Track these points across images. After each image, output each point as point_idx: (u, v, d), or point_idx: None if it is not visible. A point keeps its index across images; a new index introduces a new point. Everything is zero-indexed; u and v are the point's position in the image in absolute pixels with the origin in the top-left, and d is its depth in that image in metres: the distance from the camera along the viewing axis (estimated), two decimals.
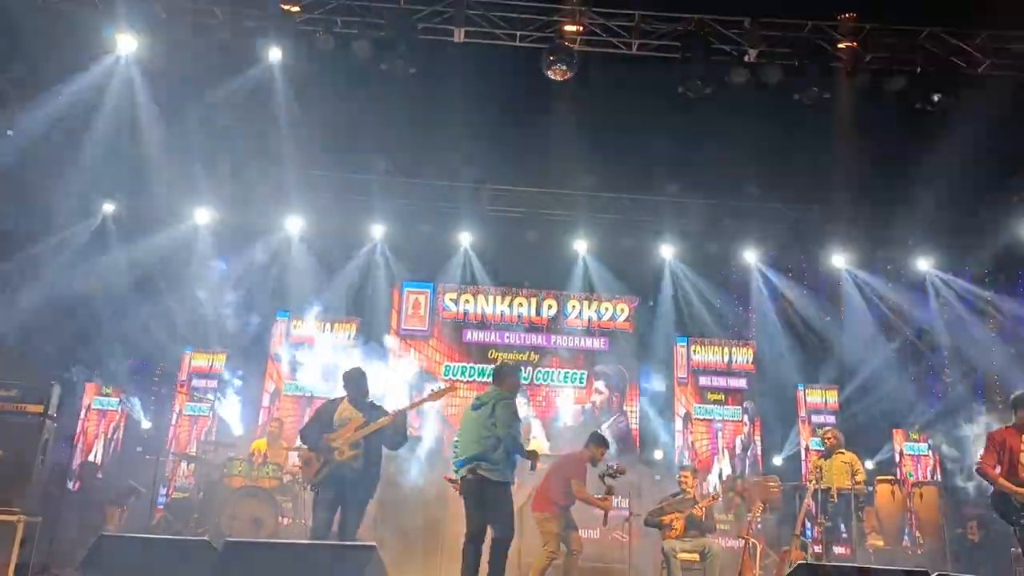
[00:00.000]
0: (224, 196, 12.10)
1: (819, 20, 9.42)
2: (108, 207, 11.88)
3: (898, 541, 9.65)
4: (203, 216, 12.16)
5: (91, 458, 11.03)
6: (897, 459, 10.80)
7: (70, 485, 10.18)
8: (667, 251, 12.82)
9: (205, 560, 4.34)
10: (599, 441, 8.20)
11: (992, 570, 8.98)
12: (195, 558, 4.37)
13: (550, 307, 12.31)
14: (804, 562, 7.69)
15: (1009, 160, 10.97)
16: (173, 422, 11.19)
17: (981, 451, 6.68)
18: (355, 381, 6.71)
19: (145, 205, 11.80)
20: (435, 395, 6.91)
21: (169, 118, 10.27)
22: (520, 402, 6.81)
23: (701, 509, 8.39)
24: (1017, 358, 11.85)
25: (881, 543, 9.66)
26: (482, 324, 12.23)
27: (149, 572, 4.31)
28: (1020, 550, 7.96)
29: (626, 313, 12.30)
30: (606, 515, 8.15)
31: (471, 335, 12.20)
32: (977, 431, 10.17)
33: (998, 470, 6.42)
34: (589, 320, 12.27)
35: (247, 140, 11.22)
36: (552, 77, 9.36)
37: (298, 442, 7.09)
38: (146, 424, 11.43)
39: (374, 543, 4.35)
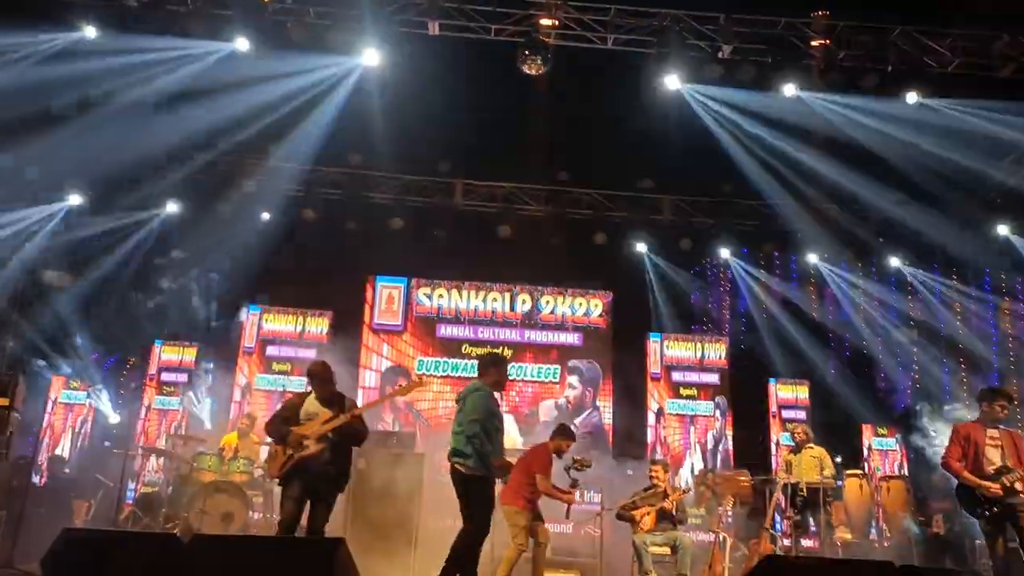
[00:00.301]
0: (193, 187, 11.94)
1: (793, 17, 9.49)
2: (75, 198, 11.67)
3: (865, 534, 9.78)
4: (172, 207, 11.99)
5: (58, 452, 10.88)
6: (865, 454, 10.94)
7: (36, 479, 10.05)
8: (641, 246, 12.85)
9: (172, 554, 4.27)
10: (564, 433, 8.21)
11: (955, 562, 9.12)
12: (162, 552, 4.30)
13: (524, 302, 12.32)
14: (772, 554, 7.78)
15: (971, 157, 11.14)
16: (142, 416, 11.06)
17: (946, 445, 6.78)
18: (321, 375, 6.59)
19: (113, 196, 11.61)
20: (403, 389, 6.85)
21: (134, 105, 10.10)
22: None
23: (672, 503, 8.44)
24: (985, 351, 12.06)
25: (849, 536, 9.77)
26: (456, 319, 12.21)
27: (114, 567, 4.23)
28: (984, 541, 8.13)
29: (600, 308, 12.34)
30: (569, 508, 8.20)
31: (445, 330, 12.17)
32: (943, 425, 10.34)
33: (963, 464, 6.51)
34: (563, 315, 12.30)
35: (215, 132, 11.08)
36: (527, 71, 9.35)
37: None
38: (114, 418, 11.28)
39: (342, 536, 4.31)
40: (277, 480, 6.43)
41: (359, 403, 6.76)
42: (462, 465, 6.18)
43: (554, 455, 8.09)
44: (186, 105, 10.18)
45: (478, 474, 6.15)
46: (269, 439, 6.72)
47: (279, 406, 6.95)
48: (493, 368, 6.62)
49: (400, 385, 6.92)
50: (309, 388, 6.62)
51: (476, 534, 6.10)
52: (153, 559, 4.23)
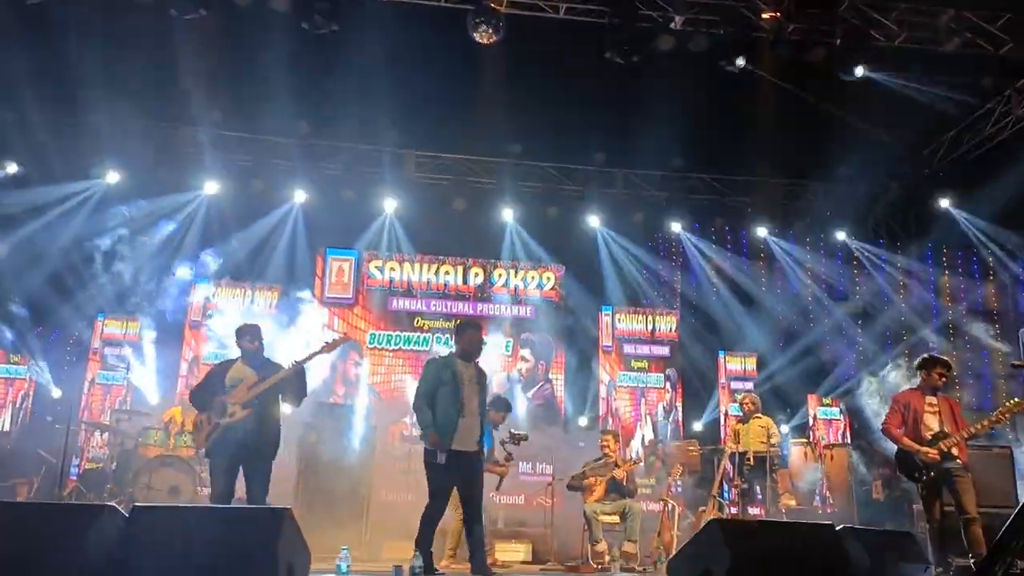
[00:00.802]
0: (135, 157, 11.63)
1: None
2: (11, 167, 11.29)
3: (809, 501, 10.02)
4: (113, 177, 11.66)
5: (2, 427, 10.62)
6: (811, 423, 11.18)
7: None
8: (594, 220, 12.88)
9: (112, 525, 4.18)
10: (499, 405, 8.33)
11: (894, 526, 9.39)
12: (100, 524, 4.19)
13: (476, 275, 12.27)
14: (717, 517, 7.93)
15: (920, 135, 11.37)
16: (85, 391, 10.82)
17: (887, 412, 6.95)
18: (248, 337, 6.33)
19: (49, 165, 11.25)
20: (329, 346, 6.55)
21: (72, 72, 9.78)
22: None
23: (623, 473, 8.56)
24: (926, 322, 12.36)
25: (794, 503, 10.00)
26: (408, 292, 12.12)
27: (52, 539, 4.12)
28: (921, 506, 8.39)
29: (552, 281, 12.36)
30: (500, 481, 8.36)
31: (397, 303, 12.08)
32: (883, 393, 10.60)
33: (902, 430, 6.69)
34: (515, 288, 12.28)
35: (160, 99, 10.80)
36: (478, 40, 9.24)
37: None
38: (56, 393, 11.02)
39: (288, 506, 4.26)
40: (204, 452, 6.21)
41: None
42: (420, 438, 6.22)
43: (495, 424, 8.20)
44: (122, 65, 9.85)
45: (424, 446, 6.14)
46: (195, 408, 6.39)
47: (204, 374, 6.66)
48: (456, 336, 6.51)
49: (326, 343, 6.56)
50: (237, 355, 6.38)
51: (427, 506, 6.08)
52: (90, 530, 4.13)
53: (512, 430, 8.35)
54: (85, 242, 11.27)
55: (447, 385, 6.18)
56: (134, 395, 10.76)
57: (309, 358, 6.37)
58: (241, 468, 6.05)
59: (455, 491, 6.22)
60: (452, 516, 7.18)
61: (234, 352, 6.47)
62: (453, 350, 6.46)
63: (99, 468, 9.64)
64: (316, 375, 10.85)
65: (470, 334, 6.46)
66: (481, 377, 6.44)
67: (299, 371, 6.21)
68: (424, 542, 5.95)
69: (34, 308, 11.25)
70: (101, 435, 9.86)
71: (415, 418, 6.24)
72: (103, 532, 4.08)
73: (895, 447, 6.78)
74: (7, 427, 10.74)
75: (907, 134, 11.01)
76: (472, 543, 6.14)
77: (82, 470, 9.67)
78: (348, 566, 4.65)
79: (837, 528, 4.78)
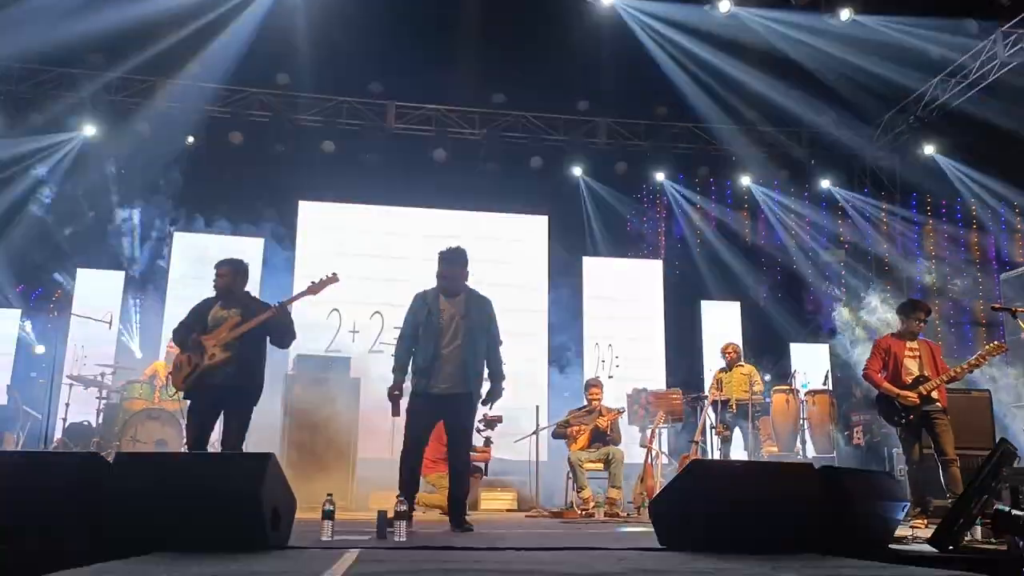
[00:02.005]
0: (112, 108, 11.43)
1: None
2: None
3: (791, 447, 10.15)
4: (90, 129, 11.46)
5: None
6: (793, 370, 11.27)
7: None
8: (577, 170, 12.80)
9: (97, 474, 4.19)
10: None
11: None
12: (85, 472, 4.20)
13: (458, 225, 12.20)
14: (698, 459, 8.04)
15: (905, 81, 11.30)
16: (68, 346, 10.74)
17: (868, 357, 7.03)
18: (230, 273, 6.02)
19: (25, 116, 11.06)
20: (317, 286, 6.17)
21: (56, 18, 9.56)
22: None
23: (606, 421, 8.65)
24: (910, 269, 12.44)
25: (776, 449, 10.14)
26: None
27: (37, 489, 4.13)
28: (901, 450, 8.52)
29: (536, 232, 12.31)
30: (486, 466, 8.49)
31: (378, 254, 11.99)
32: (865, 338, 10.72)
33: (883, 375, 6.78)
34: (498, 238, 12.24)
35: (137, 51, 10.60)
36: None
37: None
38: (39, 349, 10.96)
39: (271, 452, 4.27)
40: (182, 393, 5.98)
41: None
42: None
43: None
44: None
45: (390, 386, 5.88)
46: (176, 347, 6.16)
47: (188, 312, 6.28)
48: (439, 267, 6.06)
49: (313, 282, 6.17)
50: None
51: (402, 449, 5.84)
52: (75, 477, 4.14)
53: (486, 414, 8.48)
54: (63, 196, 11.14)
55: (425, 323, 5.88)
56: (118, 349, 10.70)
57: (294, 299, 6.15)
58: (221, 414, 5.84)
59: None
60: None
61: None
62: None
63: (85, 423, 9.61)
64: (300, 324, 10.87)
65: (442, 268, 6.03)
66: (473, 312, 6.02)
67: (284, 312, 5.92)
68: (404, 486, 5.68)
69: (14, 263, 11.14)
70: (86, 389, 9.81)
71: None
72: (88, 479, 4.09)
73: (876, 392, 6.87)
74: None
75: (892, 80, 10.94)
76: (451, 498, 5.89)
77: (67, 424, 9.64)
78: (333, 511, 4.66)
79: (817, 468, 4.85)
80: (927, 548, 4.66)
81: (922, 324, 6.90)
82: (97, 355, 10.33)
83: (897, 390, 6.65)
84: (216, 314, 5.90)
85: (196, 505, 3.91)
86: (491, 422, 8.71)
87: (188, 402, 6.03)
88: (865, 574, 3.26)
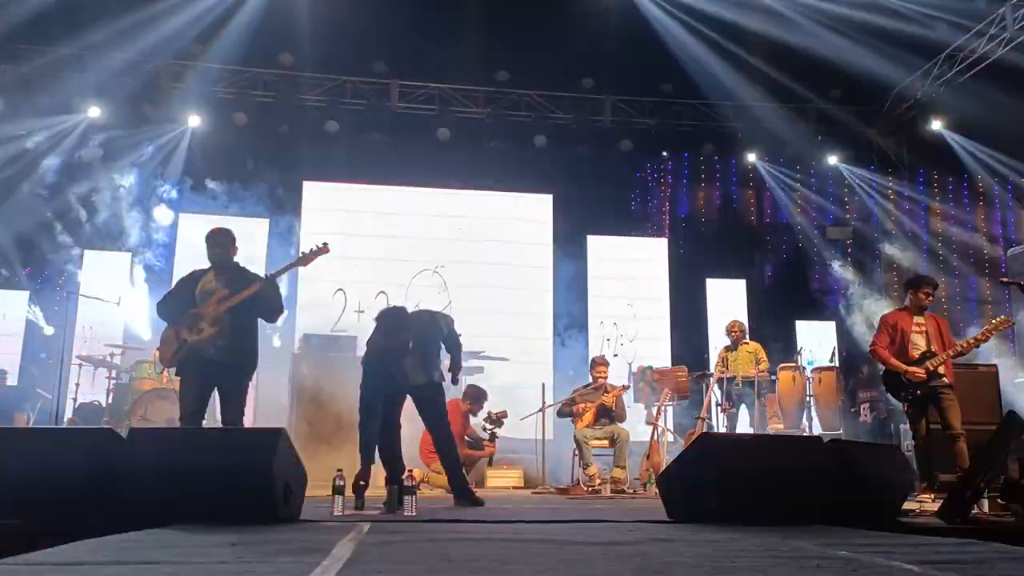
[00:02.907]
0: (118, 91, 11.42)
1: None
2: None
3: (797, 425, 10.18)
4: (95, 111, 11.45)
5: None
6: (799, 347, 11.27)
7: None
8: (583, 148, 12.75)
9: (109, 448, 4.23)
10: (474, 397, 8.53)
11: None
12: (98, 446, 4.25)
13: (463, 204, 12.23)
14: (706, 432, 8.07)
15: (911, 57, 11.21)
16: (77, 327, 10.79)
17: (875, 333, 7.01)
18: (220, 244, 5.72)
19: (31, 98, 11.06)
20: (306, 258, 5.90)
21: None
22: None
23: (612, 398, 8.67)
24: (917, 245, 12.40)
25: (782, 426, 10.16)
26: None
27: (51, 463, 4.17)
28: (907, 426, 8.55)
29: (541, 211, 12.30)
30: (491, 460, 8.65)
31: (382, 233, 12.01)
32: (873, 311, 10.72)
33: (890, 351, 6.76)
34: (504, 218, 12.23)
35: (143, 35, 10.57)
36: None
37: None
38: (49, 330, 11.01)
39: (282, 427, 4.30)
40: (173, 370, 5.76)
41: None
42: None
43: (466, 413, 8.47)
44: None
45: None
46: (163, 321, 5.85)
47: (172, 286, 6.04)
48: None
49: (303, 253, 5.93)
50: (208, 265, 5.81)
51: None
52: (89, 453, 4.19)
53: (490, 411, 8.60)
54: (68, 176, 11.16)
55: None
56: (126, 330, 10.76)
57: (283, 271, 5.94)
58: (216, 389, 5.67)
59: None
60: None
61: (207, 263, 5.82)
62: None
63: (94, 403, 9.68)
64: (306, 304, 10.92)
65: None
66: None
67: (272, 285, 5.69)
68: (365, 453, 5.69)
69: (22, 246, 11.19)
70: (95, 370, 9.87)
71: None
72: (101, 454, 4.14)
73: (883, 368, 6.87)
74: (7, 364, 10.75)
75: (900, 55, 10.85)
76: (445, 469, 6.04)
77: (77, 404, 9.71)
78: (343, 486, 4.70)
79: (825, 441, 4.87)
80: (935, 521, 4.69)
81: (929, 298, 6.87)
82: (105, 336, 10.40)
83: (904, 366, 6.63)
84: (204, 286, 5.66)
85: (208, 479, 3.95)
86: (498, 418, 8.84)
87: (172, 369, 5.81)
88: (875, 543, 3.27)
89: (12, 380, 10.56)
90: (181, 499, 3.88)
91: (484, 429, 8.53)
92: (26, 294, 11.18)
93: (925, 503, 6.03)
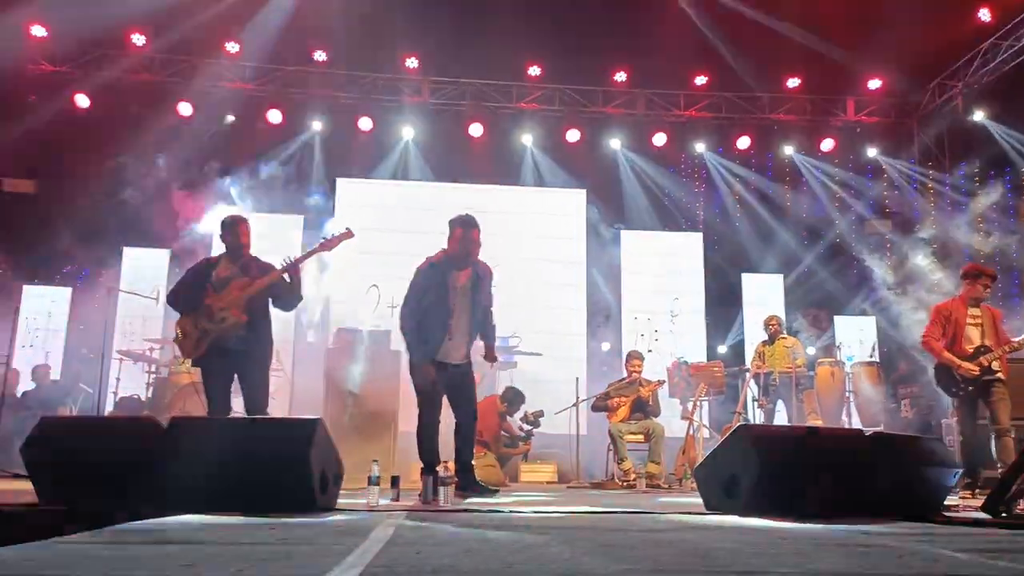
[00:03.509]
0: (154, 87, 11.60)
1: None
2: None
3: (836, 420, 10.02)
4: (133, 111, 11.64)
5: (43, 361, 10.83)
6: (838, 342, 11.11)
7: (20, 387, 10.08)
8: (615, 142, 12.68)
9: (150, 437, 4.29)
10: (511, 400, 8.58)
11: None
12: (139, 435, 4.32)
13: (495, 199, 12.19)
14: (746, 423, 7.98)
15: (949, 48, 10.99)
16: (117, 322, 10.97)
17: (927, 324, 6.79)
18: (234, 230, 5.63)
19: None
20: (329, 243, 5.83)
21: None
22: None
23: (647, 392, 8.62)
24: (958, 234, 12.12)
25: (820, 422, 10.01)
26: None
27: (94, 450, 4.26)
28: (949, 421, 8.38)
29: (574, 205, 12.25)
30: (525, 456, 8.70)
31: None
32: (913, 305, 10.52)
33: (943, 342, 6.56)
34: (537, 213, 12.20)
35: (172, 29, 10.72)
36: None
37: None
38: (89, 326, 11.20)
39: (320, 416, 4.32)
40: (192, 362, 5.62)
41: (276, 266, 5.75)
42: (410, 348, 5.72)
43: (502, 415, 8.53)
44: None
45: (411, 361, 5.70)
46: (175, 311, 5.77)
47: (184, 275, 5.90)
48: (450, 234, 5.78)
49: (324, 239, 5.84)
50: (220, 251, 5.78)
51: (419, 420, 5.77)
52: (132, 440, 4.25)
53: (527, 411, 8.64)
54: (107, 175, 11.37)
55: (428, 291, 5.64)
56: (164, 325, 10.91)
57: (306, 257, 5.80)
58: (236, 377, 5.57)
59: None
60: None
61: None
62: (445, 252, 5.78)
63: (135, 396, 9.84)
64: (340, 300, 10.98)
65: (461, 231, 5.71)
66: (479, 283, 5.77)
67: (295, 270, 5.61)
68: (429, 457, 5.61)
69: (64, 242, 11.40)
70: (135, 365, 10.04)
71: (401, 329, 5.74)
72: (144, 442, 4.20)
73: (921, 364, 6.71)
74: (50, 360, 10.96)
75: (942, 44, 10.63)
76: (459, 464, 5.69)
77: (118, 399, 9.88)
78: (379, 477, 4.72)
79: (867, 433, 4.78)
80: (980, 515, 4.58)
81: (987, 290, 6.66)
82: (144, 331, 10.56)
83: (958, 361, 6.43)
84: (220, 275, 5.56)
85: (247, 468, 3.98)
86: (535, 418, 8.97)
87: (190, 361, 5.71)
88: (920, 533, 3.20)
89: (55, 375, 10.75)
90: (220, 487, 3.91)
91: (521, 429, 8.61)
92: (69, 291, 11.37)
93: (967, 499, 5.89)
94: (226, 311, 5.42)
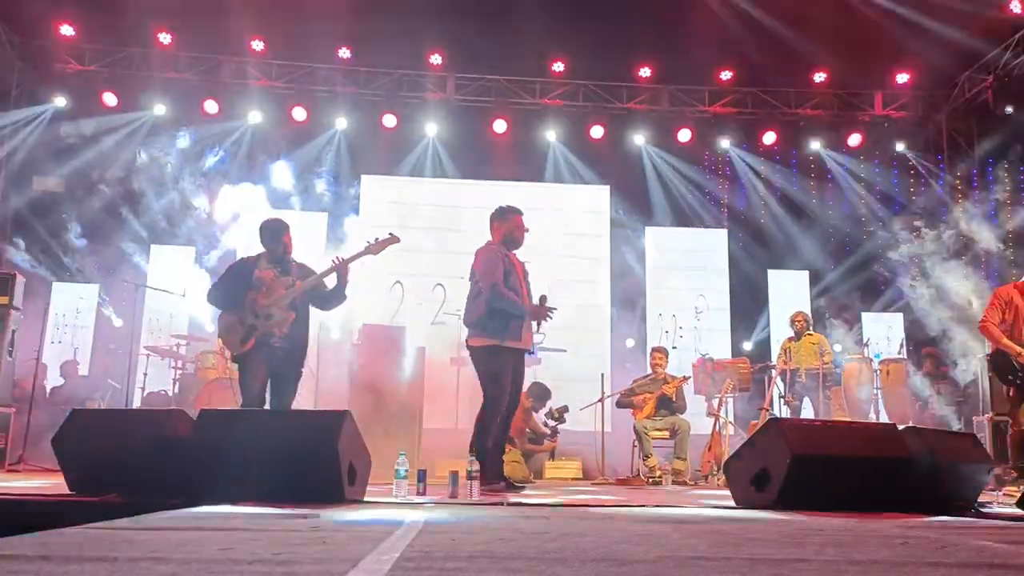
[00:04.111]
0: (181, 86, 11.70)
1: None
2: (60, 100, 11.42)
3: (864, 417, 9.91)
4: (160, 108, 11.74)
5: (72, 356, 10.96)
6: (865, 339, 10.99)
7: (50, 383, 10.20)
8: (639, 138, 12.62)
9: (179, 428, 4.33)
10: (538, 396, 8.54)
11: None
12: (169, 427, 4.36)
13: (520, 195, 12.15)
14: (776, 416, 7.90)
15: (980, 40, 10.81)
16: (144, 318, 11.08)
17: (986, 307, 6.58)
18: (275, 233, 5.74)
19: (99, 95, 11.39)
20: (376, 246, 5.85)
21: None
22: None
23: (672, 388, 8.57)
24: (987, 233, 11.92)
25: (848, 419, 9.92)
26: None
27: (124, 442, 4.30)
28: (984, 418, 8.25)
29: (598, 202, 12.21)
30: (553, 453, 8.67)
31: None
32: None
33: (1002, 327, 6.36)
34: (561, 209, 12.17)
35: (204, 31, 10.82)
36: None
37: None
38: (118, 322, 11.32)
39: (348, 409, 4.34)
40: (233, 357, 5.72)
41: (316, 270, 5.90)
42: (470, 336, 5.74)
43: (527, 411, 8.51)
44: None
45: (477, 344, 5.67)
46: (217, 308, 5.88)
47: (224, 272, 6.01)
48: (497, 222, 5.97)
49: (370, 243, 5.87)
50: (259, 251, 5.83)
51: (486, 407, 5.63)
52: (162, 432, 4.29)
53: (551, 406, 8.61)
54: (135, 172, 11.49)
55: (500, 273, 5.67)
56: (190, 322, 11.00)
57: (353, 258, 5.79)
58: (272, 376, 5.63)
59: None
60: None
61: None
62: (491, 240, 5.93)
63: (162, 392, 9.94)
64: (364, 297, 11.01)
65: (510, 218, 5.97)
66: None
67: (341, 272, 5.71)
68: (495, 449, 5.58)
69: (91, 239, 11.53)
70: (162, 360, 10.13)
71: (471, 315, 5.72)
72: (173, 434, 4.23)
73: (949, 360, 6.56)
74: (79, 355, 11.09)
75: (971, 38, 10.47)
76: (495, 451, 5.65)
77: (145, 394, 9.98)
78: (406, 471, 4.71)
79: (898, 428, 4.72)
80: (1017, 511, 4.51)
81: None
82: (171, 327, 10.66)
83: (1018, 348, 6.23)
84: (261, 274, 5.66)
85: (276, 459, 4.00)
86: (560, 413, 8.95)
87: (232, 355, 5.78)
88: (959, 527, 3.15)
89: (83, 370, 10.87)
90: (249, 479, 3.94)
91: (546, 425, 8.60)
92: (97, 287, 11.50)
93: (1012, 494, 5.74)
94: (272, 308, 5.54)
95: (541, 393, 9.14)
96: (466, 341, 5.91)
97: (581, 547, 2.17)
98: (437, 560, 1.81)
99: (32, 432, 8.05)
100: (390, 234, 5.95)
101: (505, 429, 5.85)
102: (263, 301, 5.56)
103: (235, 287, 5.68)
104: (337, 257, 5.80)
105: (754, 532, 2.73)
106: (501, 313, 5.67)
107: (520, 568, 1.71)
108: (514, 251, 6.02)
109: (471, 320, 5.80)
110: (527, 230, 6.07)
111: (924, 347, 10.79)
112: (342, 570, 1.60)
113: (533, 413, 9.15)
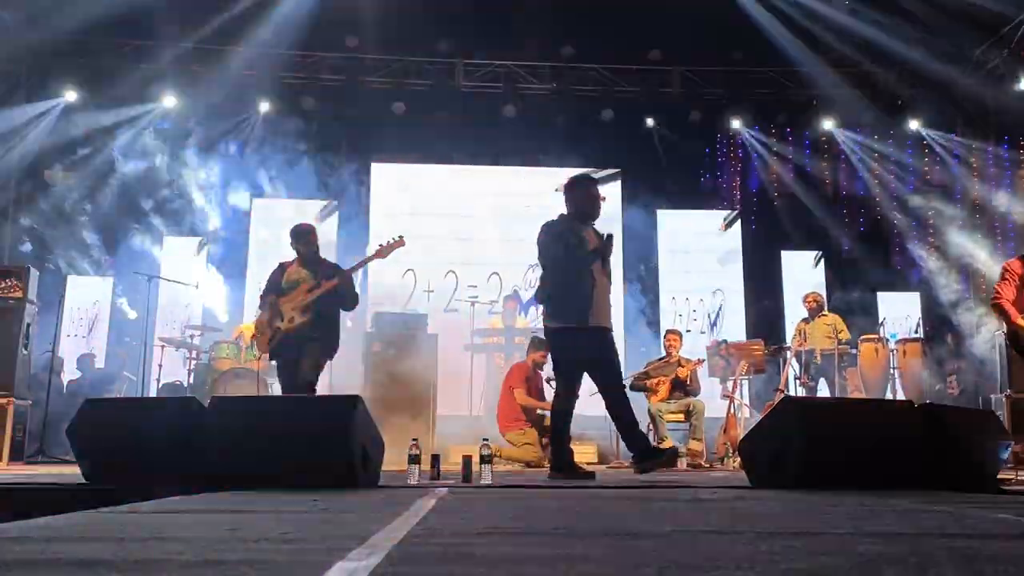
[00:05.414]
0: (189, 77, 11.69)
1: None
2: (71, 93, 11.45)
3: (881, 397, 9.83)
4: (170, 100, 11.74)
5: (89, 350, 11.04)
6: (881, 319, 10.89)
7: (66, 376, 10.28)
8: (650, 121, 12.52)
9: (192, 416, 4.34)
10: (536, 345, 8.35)
11: None
12: (182, 414, 4.36)
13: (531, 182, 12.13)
14: (791, 395, 7.85)
15: (994, 11, 10.62)
16: (157, 310, 11.13)
17: (997, 282, 6.40)
18: (303, 237, 6.23)
19: (108, 90, 11.40)
20: (384, 250, 6.35)
21: None
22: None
23: (686, 371, 8.53)
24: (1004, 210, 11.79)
25: None
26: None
27: (137, 430, 4.32)
28: (1003, 396, 8.16)
29: (609, 186, 12.13)
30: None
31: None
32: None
33: (1016, 305, 6.13)
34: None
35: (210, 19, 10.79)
36: None
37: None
38: (132, 315, 11.38)
39: (358, 394, 4.33)
40: (268, 356, 6.29)
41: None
42: (545, 318, 5.42)
43: (534, 367, 8.28)
44: None
45: (552, 326, 5.33)
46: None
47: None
48: (568, 194, 5.48)
49: (380, 246, 6.35)
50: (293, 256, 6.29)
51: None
52: (175, 420, 4.30)
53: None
54: (144, 164, 11.52)
55: (573, 246, 5.24)
56: (203, 313, 11.05)
57: (361, 265, 6.44)
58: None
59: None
60: None
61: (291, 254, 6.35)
62: (564, 214, 5.47)
63: (176, 383, 9.98)
64: (377, 284, 11.03)
65: (583, 189, 5.47)
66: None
67: (348, 278, 6.14)
68: (557, 438, 5.43)
69: (104, 232, 11.58)
70: (176, 351, 10.17)
71: (543, 295, 5.50)
72: (187, 421, 4.24)
73: (966, 339, 6.47)
74: (95, 349, 11.17)
75: (987, 8, 10.28)
76: (622, 430, 5.43)
77: (160, 385, 10.02)
78: (419, 455, 4.71)
79: (916, 405, 4.67)
80: None
81: None
82: (185, 319, 10.71)
83: None
84: (290, 277, 6.14)
85: (289, 444, 4.00)
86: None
87: (272, 363, 6.42)
88: (977, 502, 3.11)
89: (99, 363, 10.94)
90: (262, 464, 3.94)
91: (548, 381, 8.31)
92: (111, 280, 11.55)
93: None
94: (293, 312, 5.99)
95: (541, 341, 8.80)
96: (545, 324, 5.53)
97: (595, 522, 2.15)
98: (445, 536, 1.80)
99: (50, 425, 8.11)
100: (399, 237, 6.37)
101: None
102: (287, 305, 6.02)
103: (270, 291, 6.19)
104: (349, 268, 6.23)
105: (768, 508, 2.70)
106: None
107: (531, 543, 1.69)
108: (591, 223, 5.48)
109: (546, 303, 5.52)
110: (603, 199, 5.58)
111: (941, 325, 10.70)
112: (349, 546, 1.59)
113: (539, 370, 8.86)
